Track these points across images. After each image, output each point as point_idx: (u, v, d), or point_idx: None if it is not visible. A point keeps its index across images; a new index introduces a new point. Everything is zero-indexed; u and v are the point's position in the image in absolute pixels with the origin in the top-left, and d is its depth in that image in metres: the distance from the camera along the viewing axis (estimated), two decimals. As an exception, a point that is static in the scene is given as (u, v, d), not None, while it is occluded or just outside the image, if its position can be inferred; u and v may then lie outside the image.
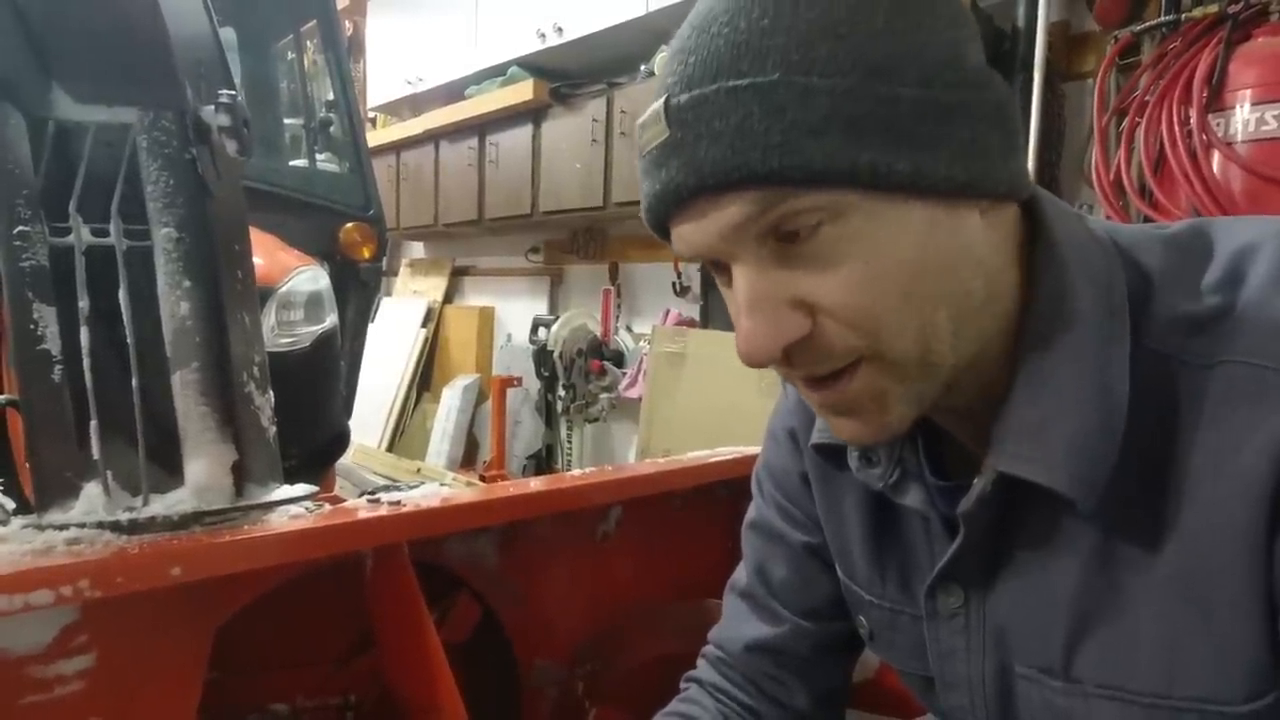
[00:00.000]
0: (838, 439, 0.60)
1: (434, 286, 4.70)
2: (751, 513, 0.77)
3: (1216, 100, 1.69)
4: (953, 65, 0.44)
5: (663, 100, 0.45)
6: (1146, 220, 1.79)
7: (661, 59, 2.94)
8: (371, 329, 2.86)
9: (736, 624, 0.75)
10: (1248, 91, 1.65)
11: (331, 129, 2.88)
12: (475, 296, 4.59)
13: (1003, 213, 0.48)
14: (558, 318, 3.52)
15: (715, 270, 0.50)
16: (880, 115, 0.42)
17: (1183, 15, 1.82)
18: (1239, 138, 1.66)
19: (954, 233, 0.45)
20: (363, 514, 0.83)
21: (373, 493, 0.91)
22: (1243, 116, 1.66)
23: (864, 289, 0.44)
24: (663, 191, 0.46)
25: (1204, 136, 1.70)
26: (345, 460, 3.43)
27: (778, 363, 0.47)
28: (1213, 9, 1.76)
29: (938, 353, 0.46)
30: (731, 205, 0.44)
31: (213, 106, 0.83)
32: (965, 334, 0.47)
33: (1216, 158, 1.69)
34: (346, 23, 4.24)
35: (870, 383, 0.47)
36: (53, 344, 0.75)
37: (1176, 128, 1.73)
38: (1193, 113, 1.71)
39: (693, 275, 3.21)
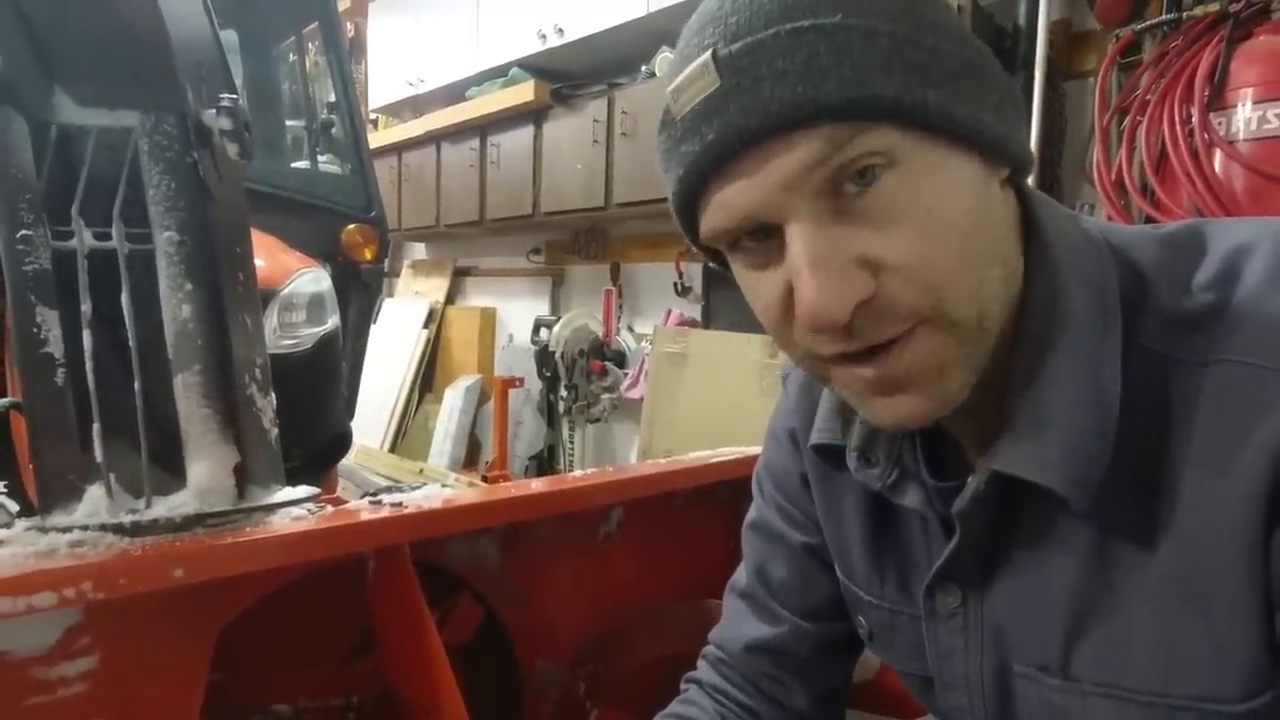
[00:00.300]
0: (836, 439, 0.61)
1: (436, 287, 4.70)
2: (752, 513, 0.77)
3: (1218, 99, 1.69)
4: (970, 38, 0.46)
5: (708, 53, 0.43)
6: (1149, 220, 1.79)
7: (663, 59, 2.95)
8: (373, 330, 2.87)
9: (736, 624, 0.75)
10: (1249, 90, 1.65)
11: (333, 130, 2.88)
12: (477, 297, 4.59)
13: (1008, 197, 0.49)
14: (559, 318, 3.52)
15: (743, 250, 0.47)
16: (935, 63, 0.43)
17: (1184, 14, 1.82)
18: (1241, 136, 1.66)
19: (990, 193, 0.47)
20: (364, 515, 0.83)
21: (375, 494, 0.92)
22: (1244, 115, 1.65)
23: (929, 242, 0.43)
24: (715, 143, 0.44)
25: (1206, 135, 1.69)
26: (347, 461, 3.43)
27: (838, 331, 0.45)
28: (1214, 7, 1.76)
29: (990, 314, 0.46)
30: (799, 146, 0.42)
31: (214, 110, 0.83)
32: (1007, 301, 0.48)
33: (1218, 156, 1.69)
34: (348, 24, 4.24)
35: (928, 348, 0.45)
36: (55, 347, 0.76)
37: (1178, 126, 1.73)
38: (1194, 111, 1.70)
39: (694, 275, 3.21)
